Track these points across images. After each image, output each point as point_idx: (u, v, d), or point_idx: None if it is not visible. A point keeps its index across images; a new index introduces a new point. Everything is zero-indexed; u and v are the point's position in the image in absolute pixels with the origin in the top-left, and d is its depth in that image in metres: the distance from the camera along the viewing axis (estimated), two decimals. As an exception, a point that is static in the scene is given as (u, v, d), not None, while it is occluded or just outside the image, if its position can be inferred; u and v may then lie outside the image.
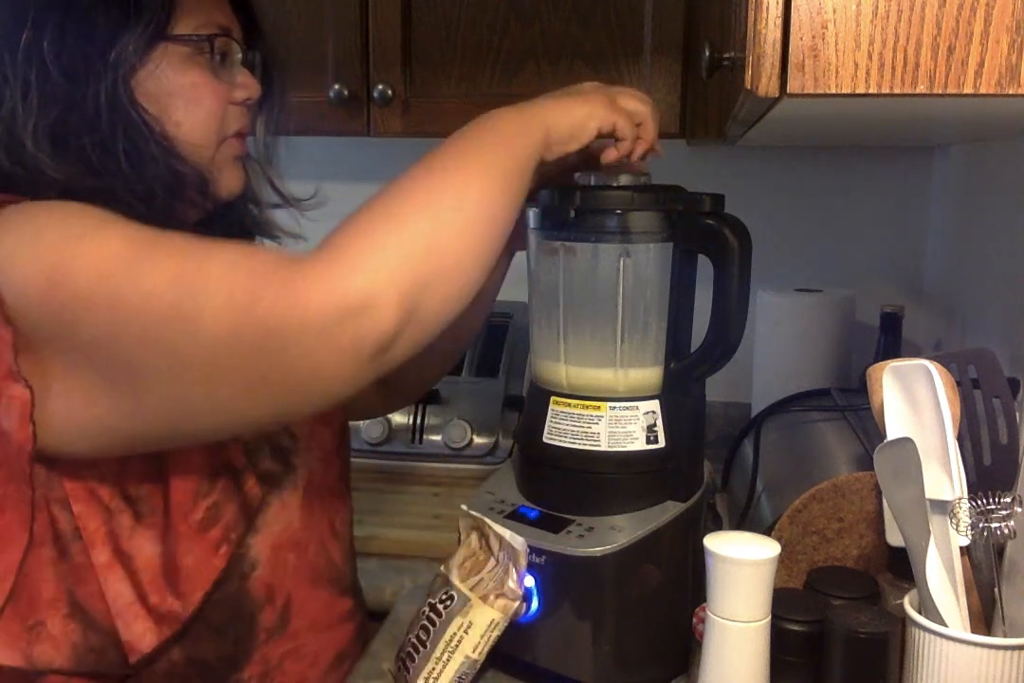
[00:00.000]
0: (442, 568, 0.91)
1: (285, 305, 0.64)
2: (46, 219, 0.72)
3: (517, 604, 0.85)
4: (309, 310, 0.64)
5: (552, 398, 0.91)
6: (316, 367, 0.66)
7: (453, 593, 0.87)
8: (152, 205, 0.79)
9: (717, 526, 0.98)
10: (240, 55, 0.86)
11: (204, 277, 0.67)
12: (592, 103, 0.82)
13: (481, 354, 1.59)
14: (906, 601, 0.72)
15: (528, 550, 0.85)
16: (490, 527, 0.87)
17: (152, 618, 0.80)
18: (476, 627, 0.84)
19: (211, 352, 0.66)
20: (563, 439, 0.90)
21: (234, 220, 0.95)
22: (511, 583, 0.84)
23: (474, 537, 0.89)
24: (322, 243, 0.68)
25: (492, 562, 0.87)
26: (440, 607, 0.87)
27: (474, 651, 0.84)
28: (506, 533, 0.85)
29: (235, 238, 0.95)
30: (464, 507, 0.92)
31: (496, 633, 0.85)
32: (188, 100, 0.82)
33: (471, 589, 0.86)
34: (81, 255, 0.68)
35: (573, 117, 0.80)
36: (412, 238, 0.68)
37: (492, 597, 0.85)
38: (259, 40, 0.92)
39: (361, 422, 1.53)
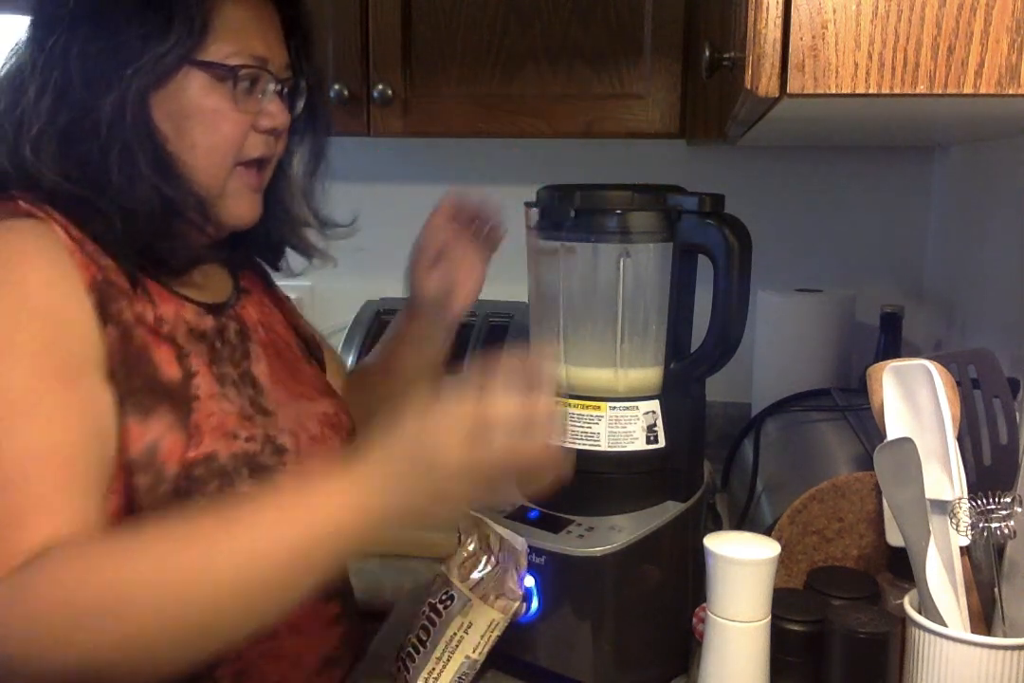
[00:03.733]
0: (442, 568, 0.91)
1: None
2: None
3: (517, 604, 0.85)
4: None
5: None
6: None
7: (453, 593, 0.87)
8: (133, 223, 0.80)
9: (717, 526, 0.98)
10: (272, 85, 0.86)
11: None
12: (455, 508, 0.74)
13: (481, 354, 1.59)
14: (906, 601, 0.72)
15: (528, 550, 0.85)
16: (490, 527, 0.87)
17: None
18: (476, 627, 0.84)
19: None
20: (563, 439, 0.90)
21: (259, 240, 0.96)
22: (511, 583, 0.84)
23: (474, 537, 0.89)
24: (60, 559, 0.66)
25: (492, 562, 0.87)
26: (440, 607, 0.87)
27: (474, 651, 0.84)
28: (506, 533, 0.85)
29: (263, 254, 0.98)
30: None
31: (496, 633, 0.85)
32: (206, 124, 0.83)
33: (471, 589, 0.86)
34: None
35: (431, 519, 0.74)
36: (100, 617, 0.65)
37: (492, 597, 0.85)
38: (307, 67, 0.92)
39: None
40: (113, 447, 0.76)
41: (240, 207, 0.88)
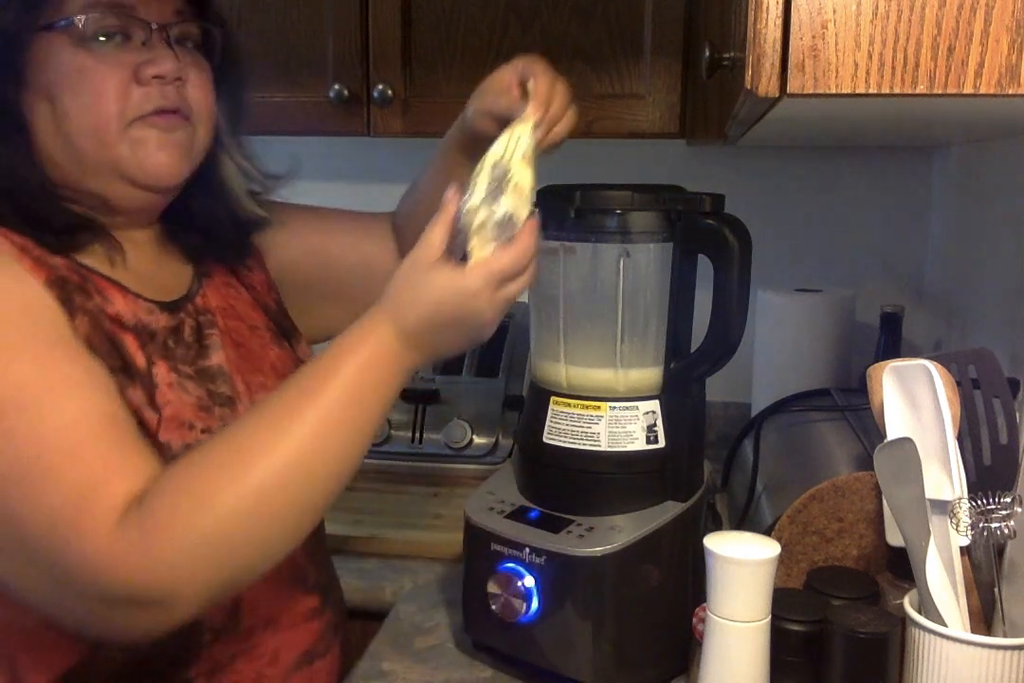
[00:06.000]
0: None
1: (88, 572, 0.67)
2: None
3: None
4: (107, 588, 0.67)
5: (552, 398, 0.91)
6: (107, 623, 0.70)
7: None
8: (30, 212, 0.79)
9: (717, 526, 0.98)
10: (145, 31, 0.80)
11: (43, 497, 0.68)
12: (477, 328, 0.78)
13: (481, 354, 1.59)
14: (906, 601, 0.72)
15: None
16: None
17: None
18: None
19: (25, 553, 0.69)
20: (563, 439, 0.90)
21: (200, 219, 0.92)
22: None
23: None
24: (159, 500, 0.69)
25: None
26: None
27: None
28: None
29: (199, 240, 0.93)
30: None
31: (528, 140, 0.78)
32: (72, 86, 0.78)
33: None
34: None
35: (458, 347, 0.79)
36: (242, 538, 0.70)
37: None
38: (208, 19, 0.86)
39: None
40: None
41: (155, 158, 0.82)
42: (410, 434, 1.52)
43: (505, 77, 0.90)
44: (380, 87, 1.41)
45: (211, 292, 0.93)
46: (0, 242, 0.76)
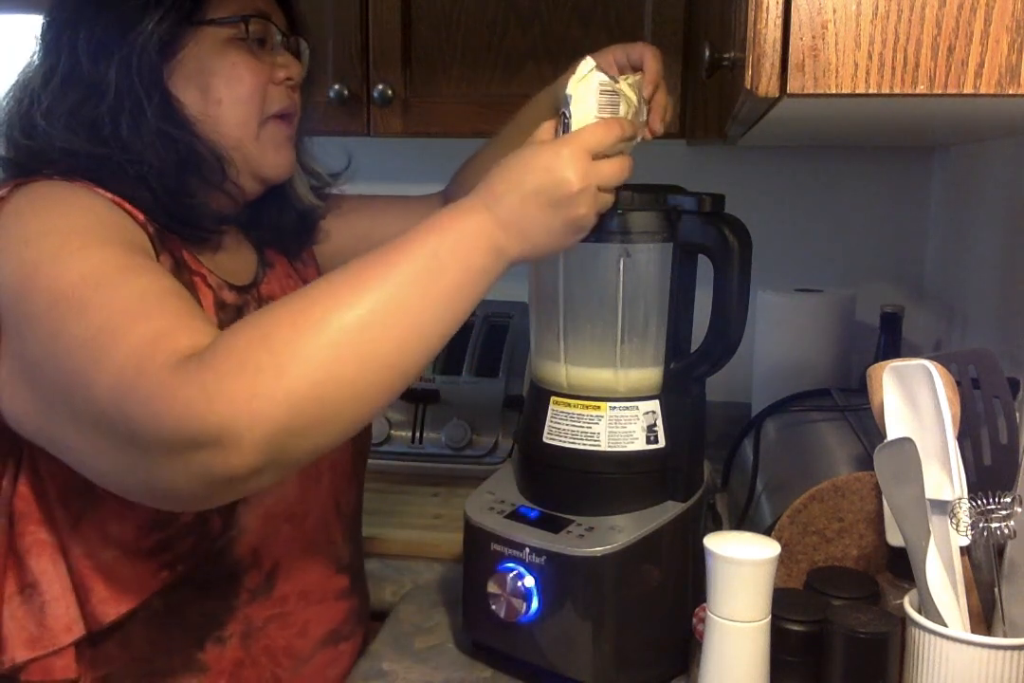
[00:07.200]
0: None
1: (147, 414, 0.65)
2: (36, 228, 0.75)
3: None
4: (164, 428, 0.64)
5: (552, 398, 0.91)
6: (171, 479, 0.67)
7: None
8: (148, 179, 0.83)
9: (717, 526, 0.98)
10: (280, 38, 0.90)
11: (109, 354, 0.68)
12: (568, 202, 0.75)
13: (481, 354, 1.59)
14: (906, 601, 0.72)
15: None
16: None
17: (81, 613, 0.83)
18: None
19: (95, 420, 0.69)
20: (563, 439, 0.90)
21: (271, 216, 0.99)
22: None
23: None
24: (220, 339, 0.67)
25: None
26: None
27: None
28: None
29: (267, 229, 1.00)
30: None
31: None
32: (228, 79, 0.86)
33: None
34: (45, 276, 0.72)
35: (552, 232, 0.76)
36: (297, 373, 0.64)
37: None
38: (300, 27, 0.96)
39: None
40: None
41: (278, 157, 0.91)
42: (410, 434, 1.52)
43: (611, 56, 0.96)
44: (380, 87, 1.41)
45: (273, 281, 0.99)
46: (100, 192, 0.81)
